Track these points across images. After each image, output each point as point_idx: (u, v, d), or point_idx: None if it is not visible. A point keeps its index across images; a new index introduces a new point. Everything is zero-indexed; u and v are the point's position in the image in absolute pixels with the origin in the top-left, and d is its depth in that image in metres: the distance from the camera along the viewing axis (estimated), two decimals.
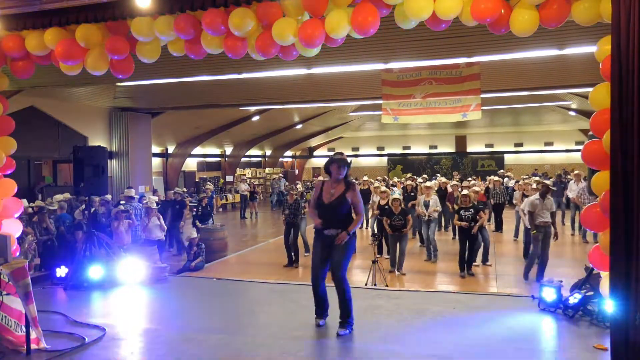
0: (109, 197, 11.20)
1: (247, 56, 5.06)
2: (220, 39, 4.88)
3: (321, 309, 5.17)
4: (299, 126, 25.72)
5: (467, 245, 9.28)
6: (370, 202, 12.44)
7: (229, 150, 26.81)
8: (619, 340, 3.81)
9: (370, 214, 12.51)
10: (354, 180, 5.42)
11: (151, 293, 6.71)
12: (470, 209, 9.33)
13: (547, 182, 9.57)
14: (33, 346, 4.49)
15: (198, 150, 23.66)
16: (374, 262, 8.35)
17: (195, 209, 12.89)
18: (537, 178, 15.97)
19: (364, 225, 14.86)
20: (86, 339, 4.79)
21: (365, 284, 8.02)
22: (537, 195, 8.57)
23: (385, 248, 10.74)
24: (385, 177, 23.32)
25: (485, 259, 10.08)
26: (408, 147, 32.98)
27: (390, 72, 9.33)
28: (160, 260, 8.98)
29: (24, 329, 4.47)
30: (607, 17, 3.90)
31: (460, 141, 31.74)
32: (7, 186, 6.15)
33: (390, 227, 9.56)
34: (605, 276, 4.39)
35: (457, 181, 15.72)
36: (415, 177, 17.83)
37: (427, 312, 5.61)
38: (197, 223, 11.99)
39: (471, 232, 9.20)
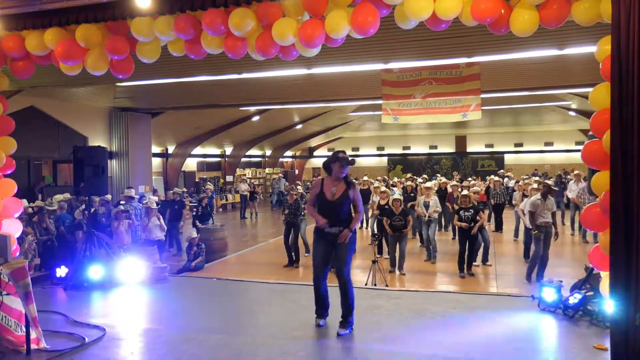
0: (109, 197, 11.20)
1: (247, 56, 5.06)
2: (220, 39, 4.88)
3: (322, 308, 5.16)
4: (299, 126, 25.72)
5: (467, 245, 9.28)
6: (370, 202, 12.44)
7: (229, 150, 26.82)
8: (619, 340, 3.82)
9: (370, 214, 12.50)
10: (353, 179, 5.42)
11: (151, 293, 6.71)
12: (470, 210, 9.33)
13: (549, 182, 9.57)
14: (33, 346, 4.49)
15: (198, 150, 23.67)
16: (374, 262, 8.36)
17: (195, 209, 12.89)
18: (537, 178, 15.99)
19: (364, 225, 14.88)
20: (86, 339, 4.79)
21: (365, 284, 8.02)
22: (538, 196, 8.56)
23: (385, 248, 10.74)
24: (385, 177, 23.32)
25: (485, 259, 10.08)
26: (408, 147, 32.99)
27: (390, 72, 9.33)
28: (160, 260, 8.98)
29: (24, 329, 4.47)
30: (607, 17, 3.90)
31: (460, 141, 31.74)
32: (7, 186, 6.16)
33: (390, 227, 9.56)
34: (605, 276, 4.40)
35: (457, 181, 15.72)
36: (415, 177, 17.82)
37: (427, 312, 5.61)
38: (197, 223, 11.99)
39: (471, 233, 9.20)
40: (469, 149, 31.73)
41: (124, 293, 6.67)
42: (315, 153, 35.36)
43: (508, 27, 4.28)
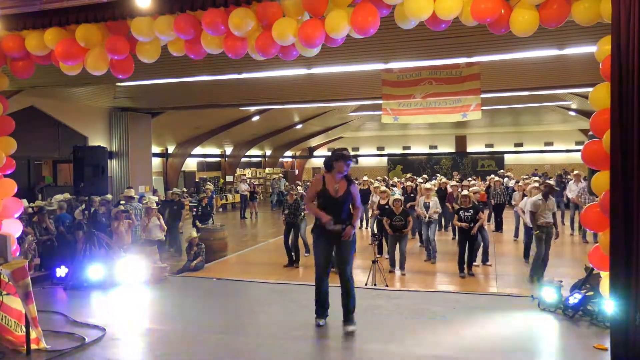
0: (109, 197, 11.20)
1: (247, 56, 5.06)
2: (220, 39, 4.88)
3: (322, 308, 5.16)
4: (299, 126, 25.72)
5: (466, 245, 9.28)
6: (370, 202, 12.43)
7: (229, 150, 26.82)
8: (619, 340, 3.82)
9: (370, 214, 12.49)
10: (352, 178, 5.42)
11: (151, 293, 6.70)
12: (470, 210, 9.33)
13: (550, 182, 9.57)
14: (33, 346, 4.49)
15: (198, 150, 23.67)
16: (374, 262, 8.35)
17: (195, 209, 12.89)
18: (537, 178, 16.00)
19: (364, 225, 14.87)
20: (86, 339, 4.79)
21: (365, 284, 8.01)
22: (540, 196, 8.56)
23: (385, 248, 10.74)
24: (385, 177, 23.32)
25: (485, 259, 10.09)
26: (408, 147, 32.98)
27: (390, 72, 9.33)
28: (160, 260, 8.97)
29: (24, 329, 4.46)
30: (607, 17, 3.90)
31: (460, 141, 31.74)
32: (7, 186, 6.16)
33: (390, 227, 9.56)
34: (605, 276, 4.39)
35: (457, 181, 15.72)
36: (415, 177, 17.82)
37: (427, 312, 5.60)
38: (197, 223, 11.99)
39: (471, 233, 9.20)
40: (469, 149, 31.73)
41: (124, 293, 6.67)
42: (315, 153, 35.36)
43: (508, 27, 4.28)
